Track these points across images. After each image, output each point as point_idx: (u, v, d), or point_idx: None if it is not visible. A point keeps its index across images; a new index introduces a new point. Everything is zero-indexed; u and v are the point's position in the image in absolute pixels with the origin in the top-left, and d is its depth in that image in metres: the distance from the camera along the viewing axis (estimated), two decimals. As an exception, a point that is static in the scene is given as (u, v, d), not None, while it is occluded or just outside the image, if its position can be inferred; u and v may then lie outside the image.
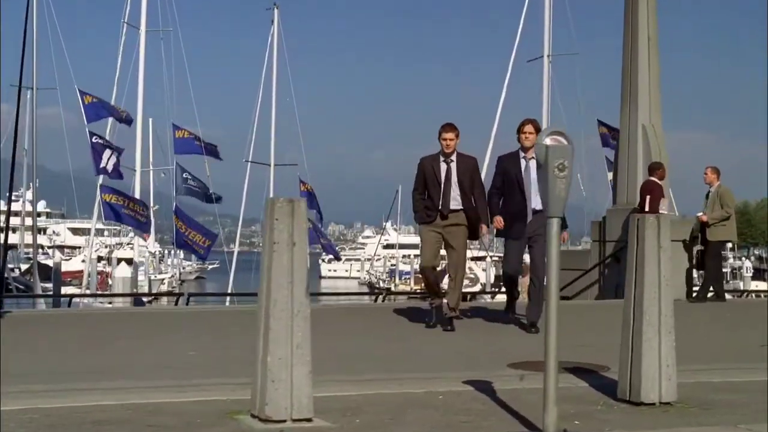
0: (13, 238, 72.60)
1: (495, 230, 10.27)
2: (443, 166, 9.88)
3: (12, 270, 45.22)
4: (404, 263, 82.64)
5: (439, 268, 10.59)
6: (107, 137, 31.18)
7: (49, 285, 39.09)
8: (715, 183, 14.26)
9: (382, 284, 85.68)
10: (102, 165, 27.60)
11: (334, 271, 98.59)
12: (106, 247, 69.98)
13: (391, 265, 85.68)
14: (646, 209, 13.82)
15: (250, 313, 12.03)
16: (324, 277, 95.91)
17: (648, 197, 13.85)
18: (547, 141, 4.76)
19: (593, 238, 16.29)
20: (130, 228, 32.56)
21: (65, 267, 53.06)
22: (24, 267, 50.56)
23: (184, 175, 30.47)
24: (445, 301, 10.10)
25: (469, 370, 7.05)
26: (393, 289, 79.66)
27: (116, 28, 33.89)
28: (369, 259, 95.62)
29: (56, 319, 11.26)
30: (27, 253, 79.55)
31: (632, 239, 5.94)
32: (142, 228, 30.51)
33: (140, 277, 54.37)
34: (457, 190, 9.83)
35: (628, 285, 5.96)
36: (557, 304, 4.82)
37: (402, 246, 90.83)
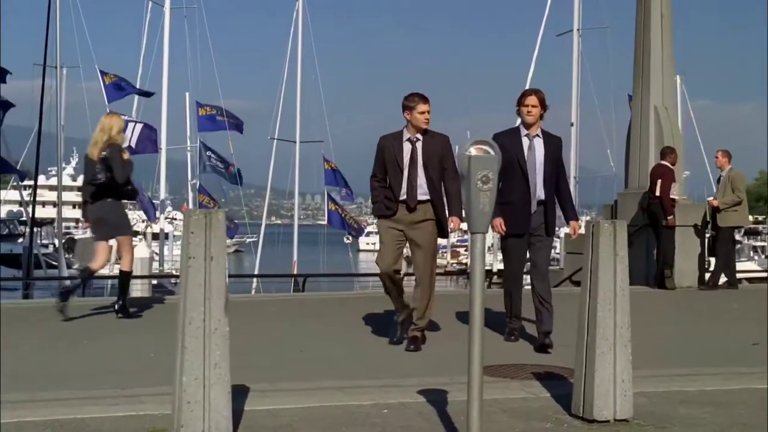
0: (51, 213, 73.35)
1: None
2: (407, 147, 8.05)
3: (45, 246, 45.65)
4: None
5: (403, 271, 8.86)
6: (133, 114, 31.22)
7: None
8: (726, 167, 13.80)
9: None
10: (125, 145, 27.57)
11: (373, 244, 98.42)
12: (143, 221, 70.31)
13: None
14: (657, 194, 13.42)
15: (254, 303, 11.67)
16: (362, 250, 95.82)
17: (659, 182, 13.43)
18: (472, 151, 4.44)
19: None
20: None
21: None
22: (58, 243, 50.93)
23: (207, 153, 30.42)
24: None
25: (432, 376, 6.77)
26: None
27: (140, 6, 33.69)
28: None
29: (33, 312, 10.76)
30: (67, 228, 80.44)
31: (587, 246, 5.60)
32: (151, 215, 30.66)
33: (177, 252, 54.75)
34: (423, 176, 8.01)
35: (582, 294, 5.63)
36: (481, 327, 4.49)
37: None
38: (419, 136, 8.07)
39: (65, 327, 9.30)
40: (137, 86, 31.39)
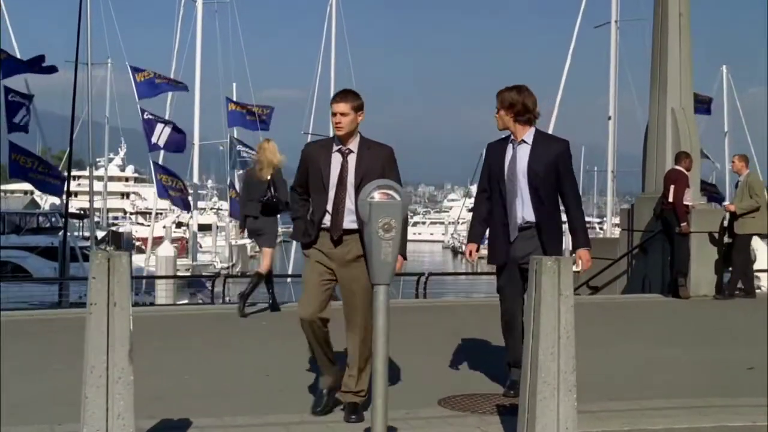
0: (96, 205, 73.97)
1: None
2: (336, 160, 6.28)
3: (86, 239, 45.97)
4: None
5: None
6: (167, 109, 31.26)
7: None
8: (744, 171, 13.30)
9: (465, 248, 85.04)
10: (154, 141, 27.59)
11: (419, 234, 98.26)
12: (203, 209, 70.68)
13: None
14: (670, 200, 12.99)
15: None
16: (408, 241, 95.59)
17: (672, 187, 12.98)
18: (375, 196, 4.15)
19: (622, 227, 15.48)
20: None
21: (146, 233, 53.01)
22: (100, 235, 51.28)
23: (237, 148, 30.34)
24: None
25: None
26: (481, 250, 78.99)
27: (171, 1, 33.68)
28: (453, 223, 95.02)
29: (33, 325, 10.79)
30: (115, 218, 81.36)
31: (530, 284, 5.29)
32: (187, 207, 30.52)
33: (220, 243, 55.01)
34: (354, 199, 6.03)
35: (526, 335, 5.32)
36: (384, 390, 4.21)
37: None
38: (353, 147, 6.29)
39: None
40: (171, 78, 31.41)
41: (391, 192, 4.13)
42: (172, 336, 10.22)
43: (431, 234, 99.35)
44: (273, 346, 9.53)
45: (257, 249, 13.00)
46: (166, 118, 29.39)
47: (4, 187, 60.49)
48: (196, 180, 32.71)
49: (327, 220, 6.26)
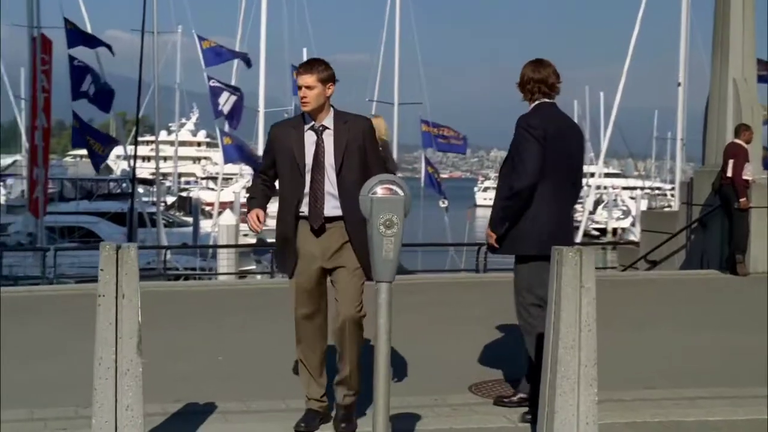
0: (165, 168, 74.81)
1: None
2: (309, 138, 5.57)
3: (155, 204, 46.57)
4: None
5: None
6: (233, 80, 31.38)
7: (190, 219, 40.08)
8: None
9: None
10: (219, 108, 27.77)
11: (490, 199, 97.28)
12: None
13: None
14: (729, 174, 12.64)
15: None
16: (480, 206, 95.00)
17: (731, 161, 12.62)
18: (378, 191, 4.05)
19: (681, 200, 15.13)
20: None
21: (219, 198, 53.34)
22: (170, 200, 51.88)
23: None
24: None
25: (418, 393, 6.41)
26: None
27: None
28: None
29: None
30: (187, 183, 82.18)
31: (551, 275, 5.15)
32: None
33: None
34: (335, 181, 5.52)
35: (547, 326, 5.19)
36: (386, 390, 4.13)
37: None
38: (327, 123, 5.58)
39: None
40: (236, 50, 31.56)
41: (393, 187, 4.02)
42: (215, 312, 10.25)
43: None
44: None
45: None
46: (233, 84, 29.54)
47: (76, 152, 61.58)
48: (261, 146, 32.78)
49: (304, 207, 5.55)
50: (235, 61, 31.67)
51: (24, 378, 6.95)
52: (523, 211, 6.09)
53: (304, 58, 47.37)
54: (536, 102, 6.25)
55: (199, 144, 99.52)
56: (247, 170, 45.79)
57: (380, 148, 12.10)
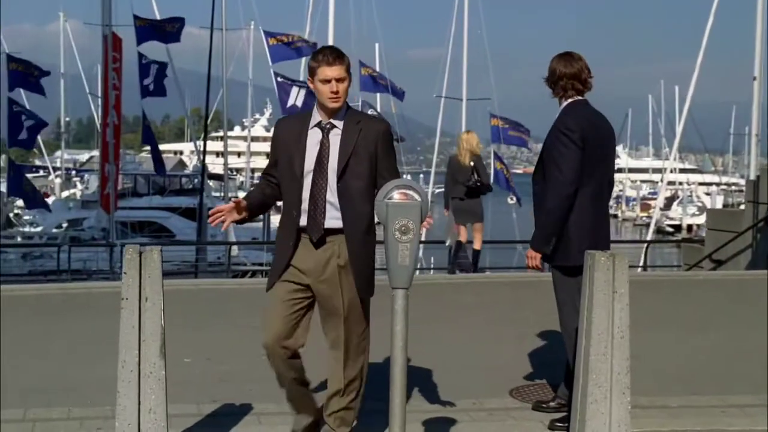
0: (238, 163, 75.60)
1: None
2: (313, 137, 4.89)
3: (228, 200, 47.08)
4: (631, 188, 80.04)
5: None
6: (301, 73, 31.51)
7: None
8: None
9: (609, 210, 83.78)
10: (290, 104, 27.89)
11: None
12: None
13: (619, 190, 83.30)
14: (797, 172, 12.31)
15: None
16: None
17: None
18: (394, 196, 3.99)
19: (746, 198, 14.77)
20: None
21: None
22: (241, 195, 52.25)
23: (369, 112, 30.42)
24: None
25: (456, 397, 6.33)
26: (619, 215, 77.99)
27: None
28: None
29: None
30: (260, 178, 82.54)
31: (584, 280, 5.03)
32: None
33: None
34: (336, 188, 4.84)
35: (579, 335, 5.08)
36: (403, 397, 4.06)
37: (632, 170, 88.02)
38: (336, 121, 4.90)
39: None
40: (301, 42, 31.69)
41: (410, 192, 3.95)
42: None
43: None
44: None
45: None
46: (301, 79, 29.65)
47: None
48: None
49: (303, 217, 4.87)
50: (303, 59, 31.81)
51: (72, 376, 7.04)
52: (565, 221, 5.77)
53: (377, 55, 47.70)
54: (569, 100, 5.89)
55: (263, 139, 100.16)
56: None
57: (471, 163, 12.93)
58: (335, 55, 4.88)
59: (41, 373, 7.08)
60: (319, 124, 4.92)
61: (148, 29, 25.53)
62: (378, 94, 31.63)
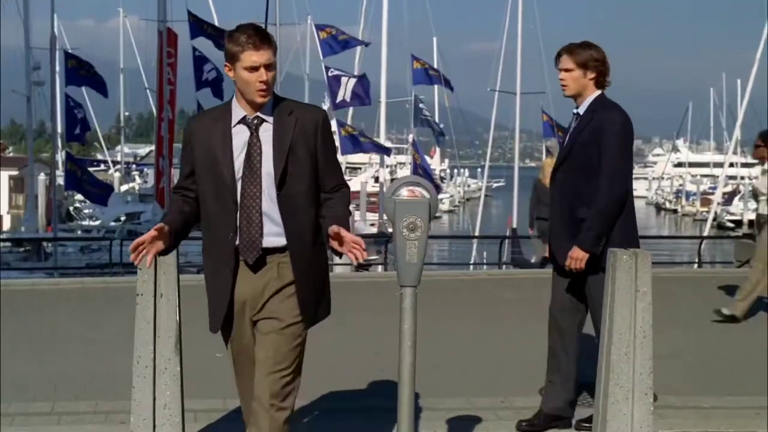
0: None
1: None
2: (239, 136, 4.09)
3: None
4: (692, 183, 78.98)
5: None
6: (355, 67, 31.60)
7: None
8: None
9: (668, 205, 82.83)
10: (339, 99, 27.94)
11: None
12: (387, 167, 71.54)
13: (679, 185, 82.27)
14: None
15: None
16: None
17: None
18: (403, 193, 3.94)
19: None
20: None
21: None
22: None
23: (419, 106, 30.42)
24: None
25: (484, 395, 6.28)
26: (679, 210, 77.01)
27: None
28: (657, 178, 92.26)
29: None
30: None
31: (606, 280, 4.94)
32: (385, 151, 30.59)
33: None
34: (275, 196, 4.05)
35: (601, 334, 4.99)
36: (411, 402, 4.01)
37: (692, 164, 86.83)
38: (265, 115, 4.07)
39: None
40: (359, 38, 31.81)
41: (419, 189, 3.90)
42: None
43: (635, 189, 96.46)
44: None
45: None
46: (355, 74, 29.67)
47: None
48: (382, 138, 32.92)
49: (235, 233, 4.08)
50: (358, 49, 31.87)
51: (99, 370, 7.11)
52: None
53: (434, 49, 47.56)
54: (600, 91, 5.61)
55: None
56: (376, 159, 46.04)
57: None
58: (261, 36, 3.97)
59: (69, 367, 7.17)
60: (244, 120, 4.07)
61: (202, 27, 25.77)
62: (435, 87, 31.49)
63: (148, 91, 50.71)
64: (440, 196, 69.56)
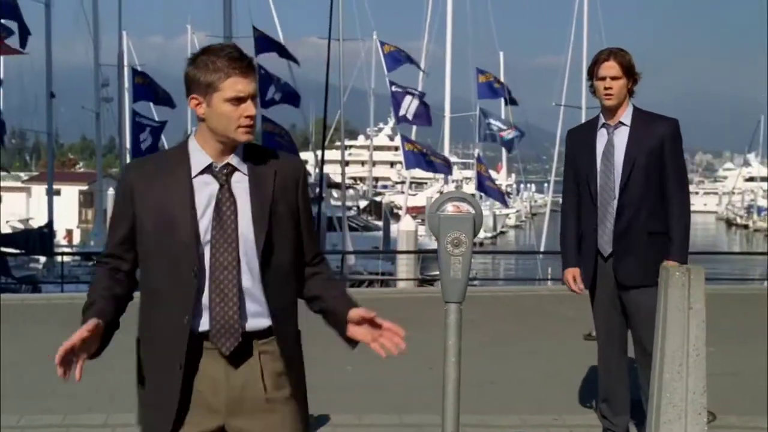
0: (361, 172, 76.17)
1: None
2: (204, 190, 3.08)
3: (349, 209, 47.52)
4: (763, 198, 77.63)
5: None
6: (419, 86, 31.66)
7: (380, 223, 40.70)
8: None
9: (739, 220, 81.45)
10: (401, 113, 28.03)
11: (692, 205, 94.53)
12: (453, 181, 71.58)
13: (750, 199, 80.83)
14: None
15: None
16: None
17: None
18: (448, 208, 3.93)
19: None
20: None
21: (411, 202, 53.65)
22: (363, 204, 52.73)
23: (486, 121, 30.36)
24: None
25: (539, 412, 6.21)
26: (750, 226, 75.68)
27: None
28: (728, 193, 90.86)
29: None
30: (384, 187, 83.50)
31: (659, 297, 4.86)
32: (445, 171, 30.60)
33: (485, 212, 55.46)
34: (258, 266, 3.07)
35: (653, 352, 4.91)
36: (456, 397, 3.99)
37: (764, 179, 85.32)
38: (235, 162, 3.13)
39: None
40: (422, 56, 31.97)
41: (463, 204, 3.88)
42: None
43: (704, 204, 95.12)
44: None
45: None
46: (418, 90, 29.73)
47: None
48: (447, 152, 32.92)
49: (203, 319, 3.07)
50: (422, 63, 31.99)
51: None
52: None
53: (501, 64, 47.51)
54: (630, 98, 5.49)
55: (396, 148, 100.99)
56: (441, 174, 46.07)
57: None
58: (247, 60, 3.10)
59: (124, 379, 7.22)
60: (209, 169, 3.11)
61: (267, 40, 26.02)
62: (501, 101, 31.51)
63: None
64: (506, 211, 69.08)
